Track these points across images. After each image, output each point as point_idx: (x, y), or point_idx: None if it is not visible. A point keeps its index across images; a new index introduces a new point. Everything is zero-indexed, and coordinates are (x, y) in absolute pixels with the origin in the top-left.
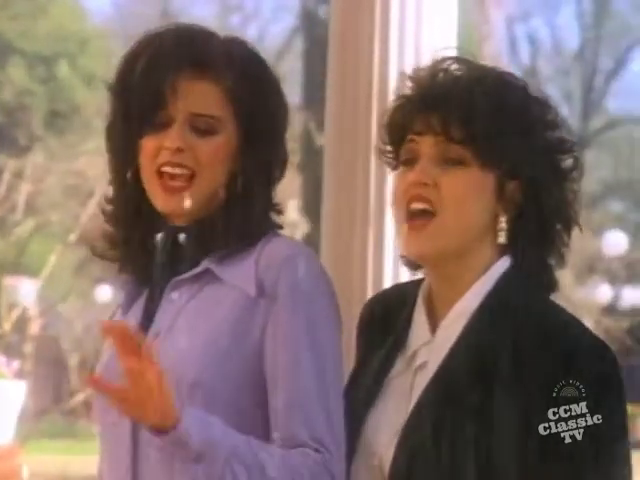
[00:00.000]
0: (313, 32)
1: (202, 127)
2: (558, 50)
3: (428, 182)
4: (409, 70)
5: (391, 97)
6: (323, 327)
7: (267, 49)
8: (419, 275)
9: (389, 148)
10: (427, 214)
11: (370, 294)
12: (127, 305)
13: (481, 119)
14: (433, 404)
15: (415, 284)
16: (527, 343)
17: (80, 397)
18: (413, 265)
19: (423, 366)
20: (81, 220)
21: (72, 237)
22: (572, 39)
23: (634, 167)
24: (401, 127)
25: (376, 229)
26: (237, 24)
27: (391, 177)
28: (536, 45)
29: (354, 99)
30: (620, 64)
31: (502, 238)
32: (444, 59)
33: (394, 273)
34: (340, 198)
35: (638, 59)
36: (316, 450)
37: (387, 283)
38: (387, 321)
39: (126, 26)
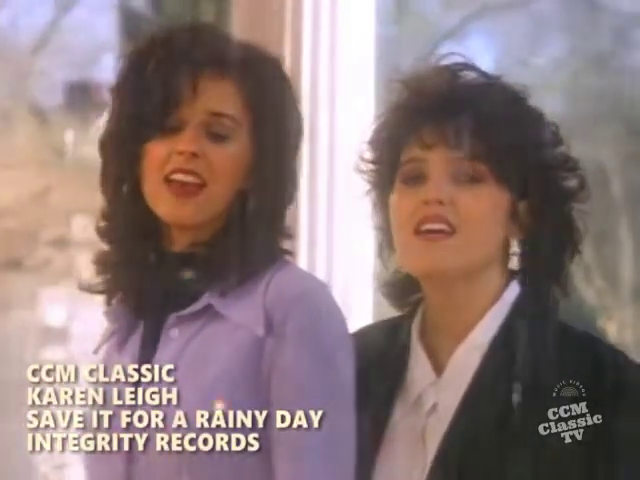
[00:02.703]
0: (130, 26)
1: (217, 131)
2: None
3: (445, 200)
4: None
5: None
6: (333, 375)
7: (21, 43)
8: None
9: (375, 167)
10: (444, 233)
11: None
12: (122, 340)
13: (501, 132)
14: (459, 448)
15: (402, 319)
16: (602, 375)
17: None
18: (400, 296)
19: (434, 408)
20: None
21: None
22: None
23: None
24: (397, 141)
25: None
26: None
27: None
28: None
29: None
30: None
31: (514, 263)
32: (440, 64)
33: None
34: None
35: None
36: None
37: None
38: (379, 363)
39: None
